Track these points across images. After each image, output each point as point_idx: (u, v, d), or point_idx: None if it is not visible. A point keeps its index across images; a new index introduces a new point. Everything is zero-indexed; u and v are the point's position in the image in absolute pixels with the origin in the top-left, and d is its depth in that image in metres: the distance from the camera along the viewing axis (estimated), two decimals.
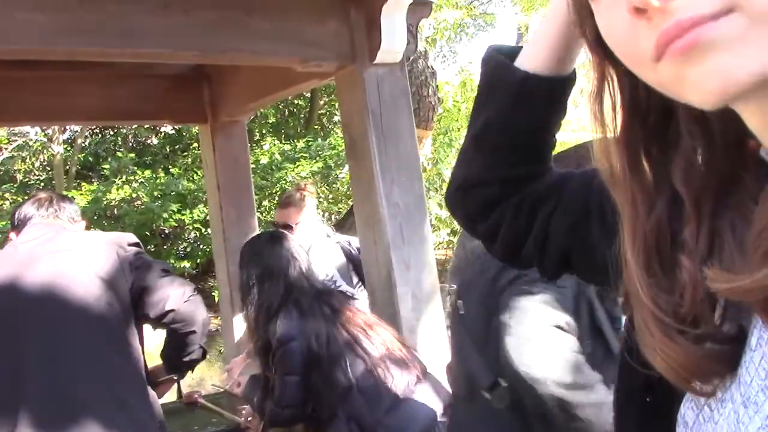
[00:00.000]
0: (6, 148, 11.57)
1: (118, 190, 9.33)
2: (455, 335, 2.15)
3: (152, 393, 2.36)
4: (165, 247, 10.01)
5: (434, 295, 3.05)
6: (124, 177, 9.99)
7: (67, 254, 2.28)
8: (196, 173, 10.00)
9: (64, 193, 9.42)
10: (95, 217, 9.28)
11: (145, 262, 2.38)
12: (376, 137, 2.96)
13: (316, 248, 3.54)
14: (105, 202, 9.30)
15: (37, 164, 12.55)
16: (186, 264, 9.55)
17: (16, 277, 2.20)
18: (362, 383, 2.39)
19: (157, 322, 2.34)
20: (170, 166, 11.04)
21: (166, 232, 10.19)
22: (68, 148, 12.06)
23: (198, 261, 9.82)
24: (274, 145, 10.89)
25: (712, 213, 0.54)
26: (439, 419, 2.40)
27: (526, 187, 0.94)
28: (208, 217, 5.72)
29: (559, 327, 1.73)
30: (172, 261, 9.38)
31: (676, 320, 0.53)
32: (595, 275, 0.84)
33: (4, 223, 7.95)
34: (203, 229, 9.24)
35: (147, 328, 2.46)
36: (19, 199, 9.28)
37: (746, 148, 0.54)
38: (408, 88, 3.20)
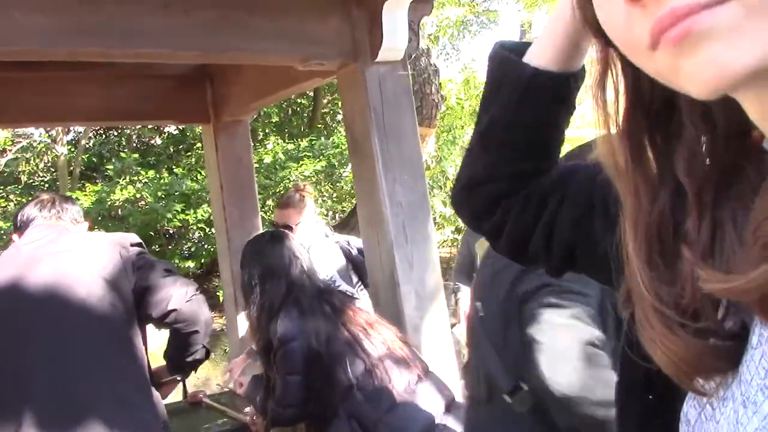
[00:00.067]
0: (10, 150, 11.59)
1: (122, 190, 9.33)
2: (473, 337, 2.13)
3: (156, 393, 2.36)
4: (169, 247, 10.01)
5: (438, 293, 3.05)
6: (127, 177, 9.99)
7: (70, 255, 2.28)
8: (200, 173, 9.99)
9: (69, 194, 9.45)
10: (99, 218, 9.28)
11: (147, 262, 2.38)
12: (379, 136, 2.96)
13: (315, 248, 3.55)
14: (109, 203, 9.29)
15: (41, 165, 12.56)
16: (190, 264, 9.54)
17: (18, 279, 2.20)
18: (363, 382, 2.38)
19: (160, 321, 2.34)
20: (174, 167, 11.03)
21: (171, 232, 10.19)
22: (72, 149, 12.07)
23: (202, 261, 9.81)
24: (278, 144, 10.88)
25: (714, 204, 0.53)
26: (441, 417, 2.40)
27: (532, 182, 0.93)
28: (211, 217, 5.71)
29: (592, 344, 1.69)
30: (177, 261, 9.37)
31: (678, 313, 0.52)
32: (600, 271, 0.83)
33: (8, 224, 7.95)
34: (207, 229, 9.24)
35: (150, 328, 2.46)
36: (23, 200, 9.30)
37: (749, 139, 0.53)
38: (410, 86, 3.20)
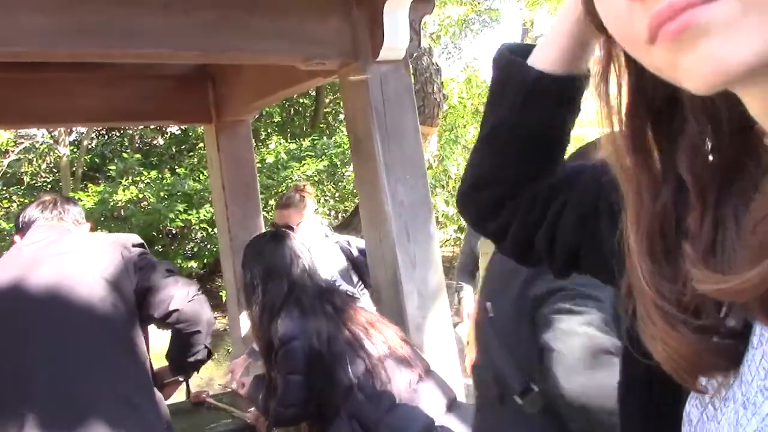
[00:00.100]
0: (13, 151, 11.61)
1: (124, 191, 9.34)
2: (482, 337, 2.11)
3: (158, 393, 2.36)
4: (172, 247, 10.01)
5: (440, 292, 3.04)
6: (130, 178, 10.00)
7: (72, 256, 2.28)
8: (202, 173, 10.00)
9: (71, 194, 9.46)
10: (102, 219, 9.29)
11: (149, 262, 2.38)
12: (380, 135, 2.95)
13: (315, 249, 3.55)
14: (112, 203, 9.30)
15: (43, 166, 12.58)
16: (193, 264, 9.55)
17: (20, 279, 2.20)
18: (363, 382, 2.38)
19: (162, 322, 2.34)
20: (176, 167, 11.04)
21: (173, 232, 10.19)
22: (74, 150, 12.09)
23: (205, 261, 9.81)
24: (280, 144, 10.88)
25: (717, 200, 0.52)
26: (442, 416, 2.39)
27: (537, 184, 0.93)
28: (214, 217, 5.72)
29: (607, 352, 1.66)
30: (180, 261, 9.38)
31: (679, 309, 0.52)
32: (604, 272, 0.83)
33: (11, 225, 7.96)
34: (210, 229, 9.24)
35: (153, 329, 2.46)
36: (26, 201, 9.29)
37: (753, 134, 0.52)
38: (411, 86, 3.19)
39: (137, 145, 12.68)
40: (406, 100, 3.08)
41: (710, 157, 0.54)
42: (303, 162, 9.64)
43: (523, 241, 0.96)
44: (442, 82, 7.42)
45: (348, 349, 2.43)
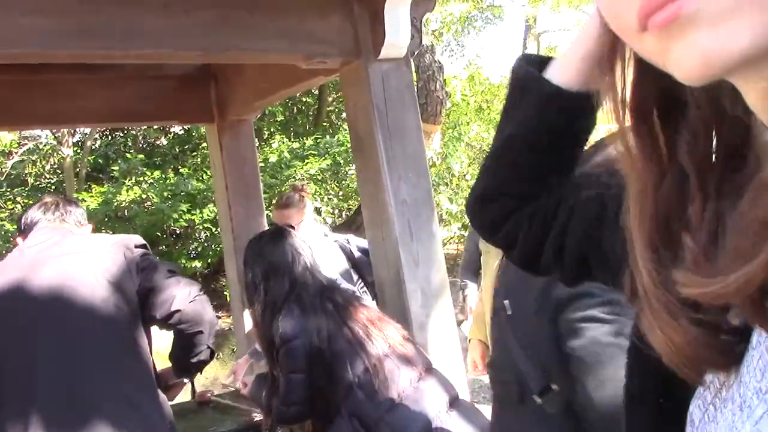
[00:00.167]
0: (16, 152, 11.63)
1: (128, 191, 9.35)
2: (499, 334, 2.10)
3: (161, 394, 2.36)
4: (176, 247, 10.03)
5: (443, 291, 3.04)
6: (133, 178, 10.01)
7: (74, 257, 2.28)
8: (206, 173, 10.01)
9: (75, 195, 9.48)
10: (106, 219, 9.30)
11: (151, 263, 2.38)
12: (382, 133, 2.94)
13: (315, 248, 3.55)
14: (115, 204, 9.31)
15: (47, 167, 12.61)
16: (197, 264, 9.56)
17: (23, 281, 2.20)
18: (363, 381, 2.37)
19: (164, 323, 2.34)
20: (180, 167, 11.05)
21: (177, 232, 10.20)
22: (78, 151, 12.11)
23: (209, 260, 9.82)
24: (283, 143, 10.89)
25: (719, 191, 0.51)
26: (444, 414, 2.38)
27: (546, 196, 0.94)
28: (217, 217, 5.72)
29: None
30: (184, 261, 9.39)
31: (680, 300, 0.51)
32: (613, 279, 0.82)
33: (15, 226, 7.99)
34: (214, 229, 9.24)
35: (155, 329, 2.46)
36: (30, 202, 9.29)
37: (754, 125, 0.51)
38: (413, 83, 3.18)
39: (140, 145, 12.69)
40: (408, 97, 3.07)
41: (714, 146, 0.53)
42: (306, 161, 9.64)
43: (532, 251, 0.97)
44: (444, 80, 7.41)
45: (348, 348, 2.42)
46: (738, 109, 0.50)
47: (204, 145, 10.88)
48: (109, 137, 12.97)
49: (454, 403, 2.46)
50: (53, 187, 12.19)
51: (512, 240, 0.98)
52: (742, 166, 0.51)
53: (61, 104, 3.91)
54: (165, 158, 12.12)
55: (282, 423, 2.65)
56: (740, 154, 0.51)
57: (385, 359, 2.42)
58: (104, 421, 2.07)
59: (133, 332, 2.29)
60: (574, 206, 0.90)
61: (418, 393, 2.39)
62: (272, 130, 12.34)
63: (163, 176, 10.09)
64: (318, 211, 9.58)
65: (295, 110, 12.99)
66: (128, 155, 10.66)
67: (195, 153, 11.92)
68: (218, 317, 9.49)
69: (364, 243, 3.89)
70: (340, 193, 10.32)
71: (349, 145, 9.42)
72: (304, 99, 12.69)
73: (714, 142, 0.53)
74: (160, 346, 2.76)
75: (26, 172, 12.24)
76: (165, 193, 9.40)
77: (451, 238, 11.40)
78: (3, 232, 9.37)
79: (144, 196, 9.43)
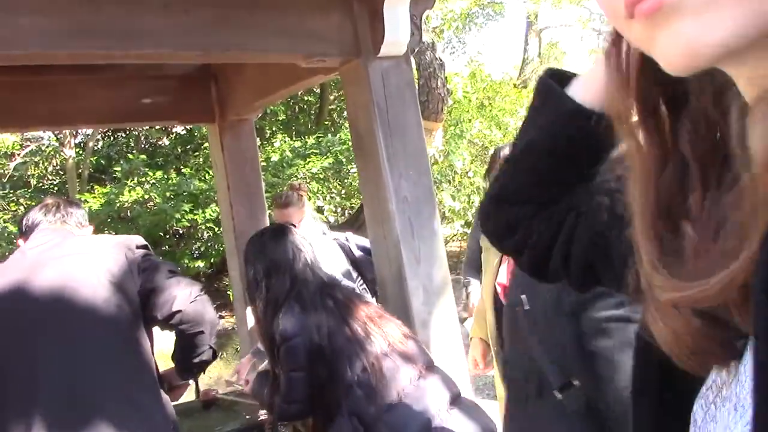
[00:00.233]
0: (19, 154, 11.65)
1: (130, 191, 9.35)
2: (514, 330, 2.09)
3: (164, 394, 2.36)
4: (179, 247, 10.03)
5: (446, 288, 3.04)
6: (135, 179, 10.02)
7: (75, 258, 2.28)
8: (208, 173, 10.01)
9: (78, 196, 9.49)
10: (108, 220, 9.31)
11: (152, 263, 2.38)
12: (383, 131, 2.94)
13: (314, 246, 3.55)
14: (118, 205, 9.32)
15: (50, 169, 12.62)
16: (200, 264, 9.56)
17: (24, 282, 2.20)
18: (363, 378, 2.37)
19: (165, 323, 2.34)
20: (182, 167, 11.06)
21: (180, 232, 10.21)
22: (80, 152, 12.12)
23: (212, 260, 9.82)
24: (285, 142, 10.88)
25: (719, 181, 0.51)
26: (446, 411, 2.38)
27: (556, 204, 0.95)
28: (220, 216, 5.73)
29: None
30: (187, 261, 9.39)
31: None
32: (620, 285, 0.82)
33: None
34: (216, 229, 9.24)
35: (157, 330, 2.46)
36: (33, 203, 9.31)
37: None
38: (413, 81, 3.18)
39: (143, 145, 12.70)
40: (408, 95, 3.07)
41: (718, 134, 0.53)
42: (308, 160, 9.64)
43: (540, 258, 0.98)
44: (446, 77, 7.40)
45: (347, 346, 2.42)
46: (734, 102, 0.50)
47: (206, 145, 10.88)
48: (111, 138, 12.98)
49: (456, 400, 2.45)
50: (56, 188, 12.20)
51: (522, 245, 0.99)
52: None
53: (62, 105, 3.92)
54: (167, 158, 12.13)
55: (284, 420, 2.65)
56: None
57: (384, 358, 2.41)
58: (106, 421, 2.07)
59: (135, 333, 2.29)
60: (582, 213, 0.91)
61: (419, 391, 2.39)
62: (274, 129, 12.34)
63: (166, 176, 10.09)
64: (320, 209, 9.58)
65: (297, 109, 12.99)
66: (130, 156, 10.66)
67: (197, 153, 11.92)
68: (221, 317, 9.48)
69: (363, 241, 3.90)
70: (343, 191, 10.31)
71: (350, 144, 9.43)
72: (305, 98, 12.69)
73: (717, 134, 0.53)
74: (164, 347, 2.77)
75: (29, 173, 12.25)
76: (167, 194, 9.41)
77: (454, 235, 11.39)
78: (6, 234, 9.38)
79: (146, 197, 9.43)
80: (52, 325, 2.15)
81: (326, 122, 12.74)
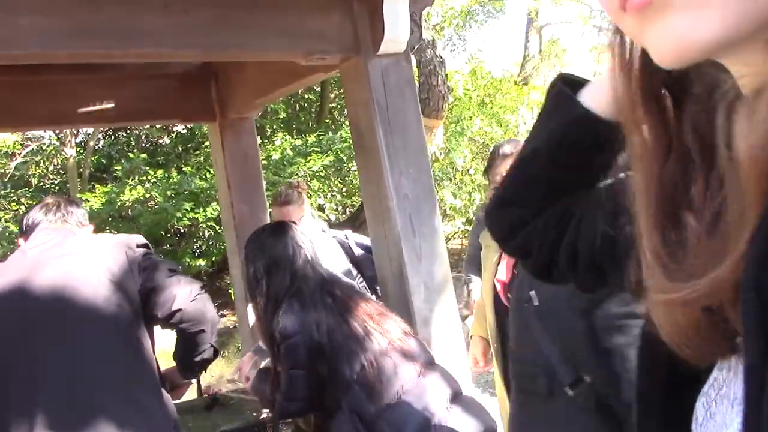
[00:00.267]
0: (19, 153, 11.65)
1: (131, 190, 9.34)
2: (522, 327, 2.08)
3: (165, 393, 2.36)
4: (181, 246, 10.03)
5: (447, 285, 3.03)
6: (136, 177, 10.01)
7: (76, 257, 2.29)
8: (209, 171, 9.99)
9: (79, 195, 9.49)
10: (110, 219, 9.31)
11: (152, 262, 2.38)
12: (383, 129, 2.94)
13: (314, 244, 3.55)
14: (119, 204, 9.31)
15: (51, 168, 12.61)
16: (201, 262, 9.55)
17: (25, 282, 2.20)
18: (363, 376, 2.37)
19: (166, 322, 2.34)
20: (183, 165, 11.04)
21: (181, 231, 10.20)
22: (81, 151, 12.12)
23: (213, 259, 9.81)
24: (286, 140, 10.87)
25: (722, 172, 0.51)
26: (446, 409, 2.38)
27: (560, 206, 0.95)
28: (221, 215, 5.73)
29: None
30: (188, 260, 9.39)
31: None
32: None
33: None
34: (217, 227, 9.22)
35: (158, 329, 2.46)
36: (34, 203, 9.33)
37: None
38: (413, 78, 3.18)
39: (143, 144, 12.69)
40: (408, 92, 3.06)
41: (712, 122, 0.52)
42: (309, 158, 9.62)
43: (545, 260, 0.99)
44: (446, 75, 7.38)
45: (347, 344, 2.42)
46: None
47: (207, 143, 10.85)
48: (112, 137, 12.98)
49: (457, 398, 2.45)
50: (57, 187, 12.19)
51: (527, 249, 1.00)
52: None
53: (62, 105, 3.92)
54: (168, 157, 12.12)
55: (285, 418, 2.66)
56: None
57: (383, 356, 2.41)
58: (107, 421, 2.07)
59: (136, 332, 2.29)
60: (587, 214, 0.91)
61: (419, 388, 2.39)
62: (275, 127, 12.33)
63: (167, 175, 10.08)
64: (322, 208, 9.58)
65: (298, 107, 12.98)
66: (131, 155, 10.64)
67: (198, 152, 11.91)
68: (223, 315, 9.47)
69: (362, 239, 3.90)
70: (344, 189, 10.30)
71: (351, 142, 9.42)
72: (306, 96, 12.68)
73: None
74: (165, 345, 2.77)
75: (30, 173, 12.24)
76: (168, 192, 9.40)
77: (455, 233, 11.39)
78: (7, 234, 9.38)
79: (147, 196, 9.42)
80: (53, 325, 2.16)
81: (327, 120, 12.73)
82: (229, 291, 8.71)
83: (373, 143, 2.96)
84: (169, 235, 10.10)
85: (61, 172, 12.48)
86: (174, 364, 2.61)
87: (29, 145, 11.69)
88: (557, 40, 19.88)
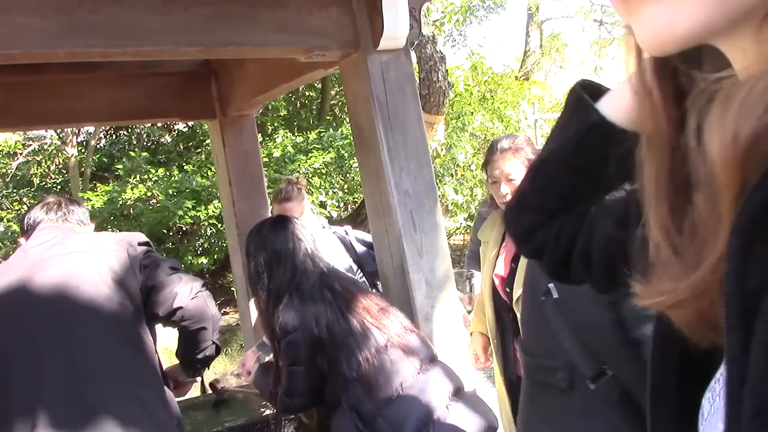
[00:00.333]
0: (21, 153, 11.66)
1: (133, 189, 9.36)
2: (538, 319, 2.06)
3: (168, 391, 2.37)
4: (183, 244, 10.04)
5: (448, 281, 3.03)
6: (138, 176, 10.03)
7: (77, 256, 2.29)
8: (210, 169, 10.00)
9: (81, 194, 9.50)
10: (111, 218, 9.32)
11: (153, 260, 2.38)
12: (383, 125, 2.94)
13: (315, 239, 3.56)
14: (121, 202, 9.33)
15: (52, 167, 12.62)
16: (203, 260, 9.56)
17: (27, 280, 2.21)
18: (361, 373, 2.36)
19: (167, 320, 2.34)
20: (184, 164, 11.07)
21: (183, 229, 10.21)
22: (82, 150, 12.13)
23: (215, 257, 9.82)
24: (287, 137, 10.87)
25: None
26: (447, 404, 2.38)
27: (574, 210, 0.96)
28: (223, 213, 5.74)
29: None
30: (190, 258, 9.40)
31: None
32: None
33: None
34: (219, 225, 9.23)
35: (160, 326, 2.47)
36: (36, 202, 9.34)
37: None
38: (413, 74, 3.17)
39: (145, 143, 12.69)
40: (408, 88, 3.06)
41: None
42: (310, 155, 9.63)
43: (560, 262, 0.99)
44: (447, 70, 7.37)
45: (345, 341, 2.42)
46: None
47: (208, 141, 10.86)
48: (114, 136, 12.99)
49: (458, 393, 2.45)
50: (59, 187, 12.21)
51: (541, 250, 1.01)
52: None
53: (63, 104, 3.93)
54: (169, 156, 12.13)
55: (287, 413, 2.66)
56: None
57: (382, 352, 2.40)
58: (110, 419, 2.07)
59: (138, 329, 2.29)
60: (600, 216, 0.91)
61: (419, 384, 2.38)
62: (276, 125, 12.33)
63: (168, 174, 10.10)
64: (323, 204, 9.58)
65: (299, 104, 12.98)
66: (132, 153, 10.65)
67: (199, 150, 11.92)
68: (225, 313, 9.46)
69: (362, 234, 3.90)
70: (345, 186, 10.30)
71: (352, 138, 9.41)
72: (307, 93, 12.67)
73: None
74: (167, 343, 2.77)
75: (31, 172, 12.26)
76: (170, 191, 9.41)
77: (457, 228, 11.39)
78: (9, 233, 9.40)
79: (149, 194, 9.44)
80: (55, 323, 2.16)
81: (328, 117, 12.72)
82: (232, 289, 8.72)
83: (374, 139, 2.96)
84: (171, 234, 10.11)
85: (63, 171, 12.49)
86: (177, 361, 2.62)
87: (31, 145, 11.69)
88: (558, 34, 19.88)
